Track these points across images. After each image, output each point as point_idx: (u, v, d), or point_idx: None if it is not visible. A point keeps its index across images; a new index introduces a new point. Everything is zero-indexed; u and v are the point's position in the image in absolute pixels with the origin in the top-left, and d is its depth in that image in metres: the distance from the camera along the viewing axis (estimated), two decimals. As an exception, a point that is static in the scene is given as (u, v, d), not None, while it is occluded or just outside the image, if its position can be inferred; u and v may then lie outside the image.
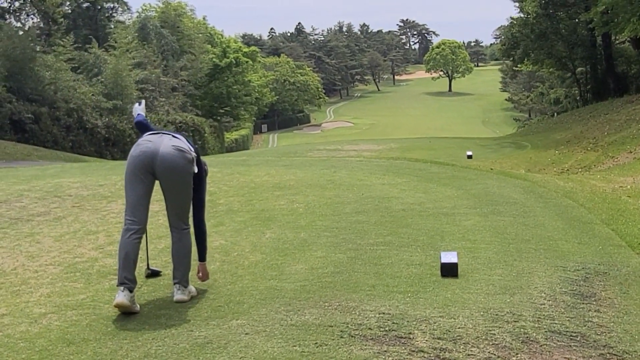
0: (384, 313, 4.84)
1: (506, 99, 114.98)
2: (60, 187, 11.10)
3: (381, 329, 4.55)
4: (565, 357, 4.21)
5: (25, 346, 4.49)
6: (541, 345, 4.36)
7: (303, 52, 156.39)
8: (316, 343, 4.32)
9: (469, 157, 22.53)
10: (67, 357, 4.32)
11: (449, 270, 5.73)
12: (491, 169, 15.04)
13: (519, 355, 4.19)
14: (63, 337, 4.64)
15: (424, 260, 6.27)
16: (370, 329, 4.56)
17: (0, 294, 5.67)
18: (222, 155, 31.64)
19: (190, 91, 58.06)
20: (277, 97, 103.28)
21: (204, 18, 73.53)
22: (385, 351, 4.20)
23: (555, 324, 4.72)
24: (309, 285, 5.60)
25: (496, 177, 11.59)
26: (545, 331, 4.59)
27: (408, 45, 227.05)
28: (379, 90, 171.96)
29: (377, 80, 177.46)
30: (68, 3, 51.73)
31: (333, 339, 4.38)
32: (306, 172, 12.31)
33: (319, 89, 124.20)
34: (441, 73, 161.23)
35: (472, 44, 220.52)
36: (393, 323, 4.66)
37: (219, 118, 66.32)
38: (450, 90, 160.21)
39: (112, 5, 64.01)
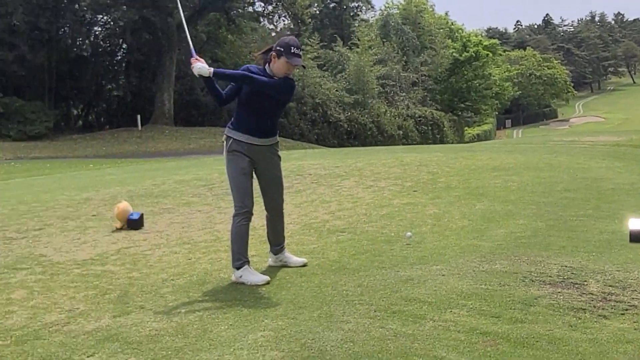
0: (565, 266, 5.54)
1: None
2: (302, 168, 12.61)
3: (559, 277, 5.26)
4: None
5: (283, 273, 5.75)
6: None
7: (550, 45, 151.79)
8: (500, 284, 5.14)
9: None
10: (300, 285, 5.49)
11: (637, 237, 6.23)
12: None
13: (680, 300, 4.72)
14: (298, 271, 5.85)
15: (618, 229, 6.79)
16: (550, 276, 5.29)
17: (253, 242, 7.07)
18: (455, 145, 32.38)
19: (430, 86, 59.21)
20: (521, 91, 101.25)
21: (446, 13, 74.53)
22: (558, 292, 4.92)
23: None
24: (505, 244, 6.40)
25: None
26: None
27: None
28: (634, 82, 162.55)
29: (633, 72, 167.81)
30: (316, 4, 54.87)
31: (515, 282, 5.17)
32: (527, 156, 12.93)
33: (567, 83, 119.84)
34: None
35: None
36: (572, 273, 5.34)
37: (459, 112, 66.88)
38: None
39: (357, 4, 66.87)
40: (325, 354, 3.99)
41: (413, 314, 4.58)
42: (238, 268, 5.66)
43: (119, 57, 49.72)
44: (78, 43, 46.75)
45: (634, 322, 4.32)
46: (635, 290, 4.92)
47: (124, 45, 48.06)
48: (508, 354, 3.89)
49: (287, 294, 5.24)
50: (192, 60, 5.55)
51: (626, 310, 4.53)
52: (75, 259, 6.80)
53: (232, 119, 5.79)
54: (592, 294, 4.89)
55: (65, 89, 44.55)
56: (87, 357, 4.19)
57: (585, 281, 5.16)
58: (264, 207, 6.10)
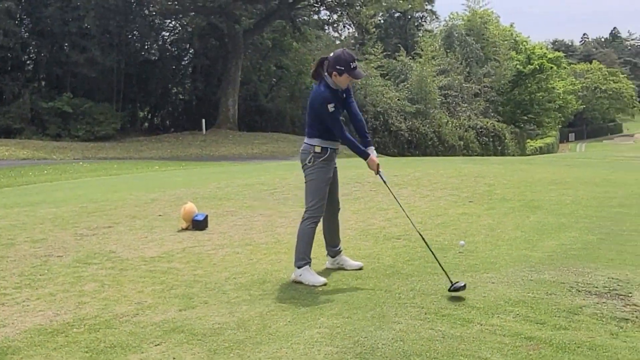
0: (612, 278, 5.71)
1: None
2: (362, 176, 12.89)
3: (605, 288, 5.44)
4: None
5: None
6: None
7: (617, 58, 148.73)
8: (547, 292, 5.35)
9: None
10: (355, 287, 5.79)
11: (686, 252, 6.35)
12: None
13: None
14: (354, 274, 6.16)
15: (669, 245, 6.91)
16: (595, 287, 5.48)
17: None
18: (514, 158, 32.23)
19: (493, 97, 58.87)
20: (585, 105, 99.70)
21: (511, 25, 73.86)
22: (603, 302, 5.12)
23: None
24: (554, 256, 6.59)
25: None
26: None
27: None
28: None
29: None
30: (380, 14, 55.20)
31: (562, 291, 5.38)
32: (585, 171, 13.00)
33: (633, 97, 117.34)
34: None
35: None
36: (617, 285, 5.52)
37: (521, 125, 66.30)
38: None
39: (421, 14, 66.93)
40: (376, 351, 4.28)
41: (461, 317, 4.83)
42: (299, 267, 6.01)
43: (186, 62, 50.78)
44: (146, 47, 47.96)
45: (675, 333, 4.50)
46: (680, 305, 5.08)
47: (191, 50, 49.08)
48: (550, 357, 4.13)
49: (343, 295, 5.54)
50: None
51: (668, 322, 4.71)
52: (142, 256, 7.22)
53: (313, 131, 6.07)
54: (635, 305, 5.06)
55: (132, 92, 45.74)
56: (155, 345, 4.56)
57: (630, 293, 5.33)
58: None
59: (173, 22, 48.40)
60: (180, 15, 44.66)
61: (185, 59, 50.85)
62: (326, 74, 5.98)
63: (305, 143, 6.12)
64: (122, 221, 9.34)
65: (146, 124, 49.42)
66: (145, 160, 30.29)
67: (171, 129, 47.42)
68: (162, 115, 51.10)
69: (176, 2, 42.34)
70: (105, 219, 9.57)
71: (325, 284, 5.91)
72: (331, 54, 6.00)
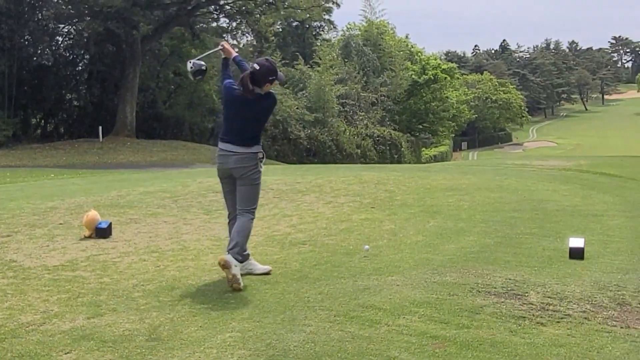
0: (509, 279, 6.02)
1: None
2: (264, 183, 12.91)
3: (503, 288, 5.73)
4: (650, 316, 5.17)
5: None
6: (633, 307, 5.33)
7: (507, 70, 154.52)
8: (449, 293, 5.59)
9: (658, 174, 22.04)
10: (264, 291, 5.87)
11: (576, 254, 6.76)
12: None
13: (610, 312, 5.21)
14: (263, 279, 6.24)
15: (559, 247, 7.32)
16: (494, 287, 5.76)
17: (219, 252, 7.42)
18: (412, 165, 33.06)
19: (389, 106, 60.04)
20: (477, 115, 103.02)
21: (406, 36, 75.58)
22: (502, 302, 5.39)
23: (653, 295, 5.66)
24: (455, 259, 6.88)
25: (660, 188, 12.18)
26: (642, 299, 5.55)
27: (620, 63, 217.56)
28: (586, 109, 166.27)
29: (585, 99, 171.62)
30: (279, 22, 55.46)
31: (463, 292, 5.63)
32: (479, 177, 13.51)
33: (522, 108, 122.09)
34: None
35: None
36: (515, 285, 5.82)
37: (416, 133, 67.80)
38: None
39: (319, 24, 67.61)
40: (288, 353, 4.38)
41: (369, 319, 4.99)
42: (242, 261, 6.22)
43: (81, 68, 49.50)
44: (39, 52, 46.50)
45: (568, 329, 4.80)
46: (571, 302, 5.40)
47: (87, 56, 47.89)
48: (455, 354, 4.33)
49: (253, 300, 5.62)
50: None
51: (562, 318, 5.01)
52: (45, 265, 7.06)
53: (258, 139, 6.50)
54: (532, 304, 5.35)
55: (25, 98, 44.20)
56: (65, 354, 4.51)
57: (527, 292, 5.62)
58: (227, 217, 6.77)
59: (68, 27, 47.13)
60: (76, 20, 43.57)
61: (81, 64, 49.58)
62: (255, 86, 6.24)
63: (246, 152, 6.36)
64: (21, 230, 9.09)
65: (39, 131, 47.89)
66: (40, 168, 29.37)
67: (66, 136, 46.09)
68: (56, 121, 49.58)
69: (71, 7, 41.31)
70: (3, 227, 9.28)
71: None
72: (255, 67, 6.27)
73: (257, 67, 6.24)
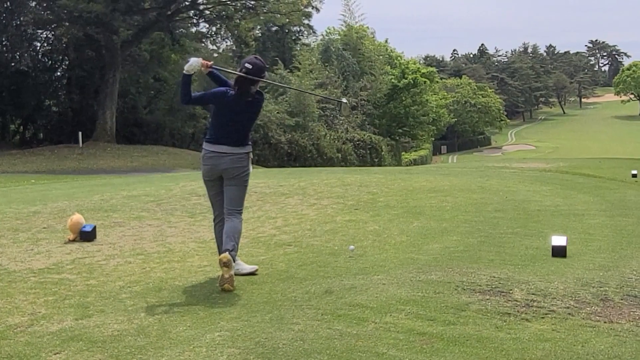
0: (493, 277, 6.10)
1: None
2: (249, 186, 12.99)
3: (488, 286, 5.81)
4: (631, 312, 5.26)
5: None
6: (615, 303, 5.43)
7: (485, 74, 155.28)
8: (435, 291, 5.66)
9: (634, 176, 22.18)
10: (251, 291, 5.91)
11: (558, 252, 6.86)
12: (637, 181, 15.62)
13: (593, 307, 5.30)
14: (249, 279, 6.28)
15: (542, 246, 7.42)
16: (479, 285, 5.83)
17: (204, 254, 7.45)
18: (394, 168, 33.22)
19: (369, 110, 60.18)
20: (457, 119, 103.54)
21: (386, 41, 75.76)
22: (487, 299, 5.46)
23: (634, 291, 5.75)
24: (440, 258, 6.96)
25: (638, 188, 12.35)
26: (623, 295, 5.64)
27: (597, 67, 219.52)
28: (564, 113, 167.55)
29: (563, 102, 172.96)
30: (259, 27, 55.48)
31: (448, 290, 5.70)
32: (461, 179, 13.64)
33: (501, 111, 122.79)
34: (632, 96, 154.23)
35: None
36: (499, 283, 5.90)
37: (396, 137, 68.01)
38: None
39: (299, 28, 67.66)
40: (277, 351, 4.42)
41: (357, 317, 5.04)
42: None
43: (60, 73, 49.22)
44: (18, 57, 46.22)
45: (552, 324, 4.88)
46: (555, 298, 5.48)
47: (66, 62, 47.63)
48: (442, 350, 4.39)
49: (240, 300, 5.66)
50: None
51: (546, 314, 5.09)
52: (31, 268, 7.06)
53: (248, 139, 6.59)
54: (516, 300, 5.43)
55: (3, 104, 43.95)
56: (54, 354, 4.52)
57: (511, 290, 5.70)
58: (214, 218, 6.82)
59: (47, 33, 46.87)
60: (55, 26, 43.33)
61: (60, 70, 49.28)
62: (252, 86, 6.36)
63: (241, 152, 6.45)
64: (5, 234, 9.07)
65: (18, 137, 47.58)
66: (20, 174, 29.21)
67: (45, 142, 45.78)
68: (35, 127, 49.29)
69: (50, 13, 41.09)
70: (-15, 232, 9.26)
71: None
72: (248, 66, 6.32)
73: (250, 66, 6.29)
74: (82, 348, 4.60)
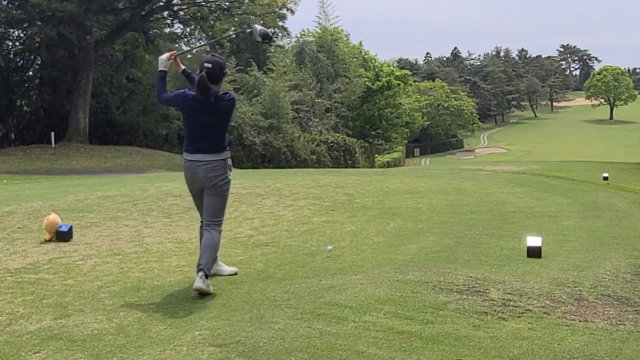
0: (470, 277, 6.18)
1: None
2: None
3: (465, 286, 5.89)
4: (606, 311, 5.37)
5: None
6: (590, 302, 5.53)
7: (458, 77, 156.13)
8: (413, 291, 5.72)
9: (605, 178, 22.52)
10: (230, 291, 5.93)
11: (533, 252, 6.97)
12: (608, 183, 15.88)
13: (568, 306, 5.40)
14: (228, 279, 6.30)
15: (517, 246, 7.53)
16: (456, 285, 5.91)
17: (182, 255, 7.44)
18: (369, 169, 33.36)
19: (343, 113, 60.22)
20: (430, 121, 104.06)
21: (360, 43, 75.82)
22: (464, 298, 5.54)
23: (608, 290, 5.87)
24: (417, 258, 7.03)
25: (609, 190, 12.59)
26: (597, 294, 5.75)
27: (568, 71, 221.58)
28: (535, 116, 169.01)
29: (534, 106, 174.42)
30: (233, 28, 55.27)
31: (426, 290, 5.76)
32: (436, 181, 13.76)
33: (473, 114, 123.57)
34: (602, 100, 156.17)
35: (638, 70, 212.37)
36: (476, 283, 5.98)
37: (370, 140, 68.11)
38: (611, 118, 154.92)
39: (273, 30, 67.54)
40: (258, 350, 4.45)
41: (336, 316, 5.09)
42: (207, 275, 5.91)
43: (32, 73, 48.72)
44: (-13, 57, 45.72)
45: (529, 323, 4.97)
46: (531, 298, 5.57)
47: (38, 61, 47.15)
48: (420, 348, 4.45)
49: (219, 299, 5.67)
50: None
51: (522, 313, 5.18)
52: (7, 268, 7.01)
53: (225, 143, 6.35)
54: (493, 300, 5.51)
55: (-28, 104, 43.53)
56: (34, 353, 4.51)
57: (488, 289, 5.79)
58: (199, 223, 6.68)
59: (18, 32, 46.37)
60: (27, 25, 42.87)
61: (32, 69, 48.76)
62: (214, 85, 6.12)
63: (216, 160, 6.22)
64: (-21, 234, 9.00)
65: (-13, 137, 47.07)
66: (-10, 174, 28.89)
67: (17, 142, 45.26)
68: (6, 127, 48.71)
69: (22, 12, 40.67)
70: (-41, 232, 9.18)
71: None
72: (208, 65, 6.14)
73: (210, 65, 6.12)
74: (62, 347, 4.59)
